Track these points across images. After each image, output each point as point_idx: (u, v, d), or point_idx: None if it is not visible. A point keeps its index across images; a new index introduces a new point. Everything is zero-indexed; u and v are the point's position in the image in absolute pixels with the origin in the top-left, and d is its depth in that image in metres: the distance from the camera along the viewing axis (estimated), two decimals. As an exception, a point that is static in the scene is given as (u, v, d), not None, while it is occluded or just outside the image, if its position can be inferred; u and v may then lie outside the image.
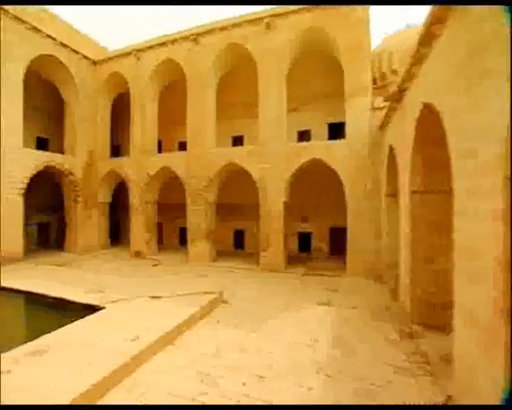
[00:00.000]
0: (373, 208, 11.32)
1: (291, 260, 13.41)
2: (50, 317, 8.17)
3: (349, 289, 10.04)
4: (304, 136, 15.24)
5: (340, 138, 12.60)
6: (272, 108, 12.81)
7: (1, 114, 13.00)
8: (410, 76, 6.08)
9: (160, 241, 16.92)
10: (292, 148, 12.62)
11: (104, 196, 17.49)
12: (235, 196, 16.39)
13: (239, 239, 16.97)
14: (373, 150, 11.16)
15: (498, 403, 2.72)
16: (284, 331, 6.74)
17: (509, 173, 2.65)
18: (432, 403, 4.23)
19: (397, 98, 7.56)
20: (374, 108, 11.00)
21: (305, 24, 12.38)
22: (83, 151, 16.84)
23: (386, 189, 10.29)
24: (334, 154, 11.72)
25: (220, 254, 14.91)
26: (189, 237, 14.22)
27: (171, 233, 18.65)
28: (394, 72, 11.93)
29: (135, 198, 15.73)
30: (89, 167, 17.06)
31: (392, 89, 11.66)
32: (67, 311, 8.07)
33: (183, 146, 17.49)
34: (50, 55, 15.25)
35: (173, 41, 14.98)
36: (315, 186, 15.00)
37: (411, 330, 6.22)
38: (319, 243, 15.32)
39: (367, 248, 11.40)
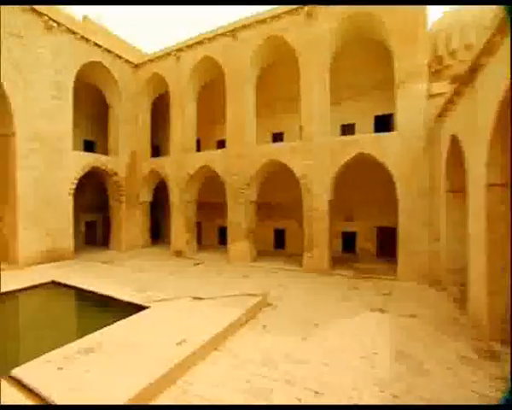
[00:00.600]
0: (428, 206, 10.25)
1: (335, 262, 12.65)
2: (97, 313, 8.33)
3: (403, 295, 9.14)
4: (347, 130, 14.36)
5: (388, 131, 11.67)
6: (315, 102, 12.13)
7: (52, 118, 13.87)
8: (488, 50, 5.19)
9: (198, 240, 16.94)
10: (337, 142, 11.83)
11: (145, 196, 17.92)
12: (276, 194, 15.93)
13: (279, 239, 16.47)
14: (429, 142, 10.09)
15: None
16: (337, 340, 6.16)
17: None
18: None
19: (466, 80, 6.60)
20: (430, 95, 9.92)
21: (350, 9, 11.55)
22: (125, 152, 17.39)
23: (445, 184, 9.23)
24: (385, 147, 10.78)
25: (260, 254, 14.53)
26: (230, 236, 14.01)
27: (210, 232, 18.65)
28: (453, 53, 10.69)
29: (175, 197, 15.87)
30: (131, 168, 17.58)
31: (451, 72, 10.51)
32: (112, 308, 8.17)
33: (221, 144, 17.42)
34: (97, 62, 15.88)
35: (211, 38, 14.86)
36: (360, 183, 14.07)
37: (491, 350, 5.32)
38: (365, 243, 14.36)
39: (421, 250, 10.36)
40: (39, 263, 12.98)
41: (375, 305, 8.22)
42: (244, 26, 13.86)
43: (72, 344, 5.54)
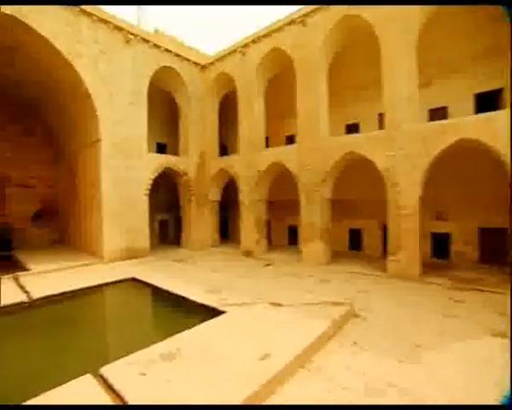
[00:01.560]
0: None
1: (425, 267, 10.85)
2: (172, 313, 8.29)
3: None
4: (437, 115, 12.27)
5: (495, 110, 9.52)
6: (400, 85, 10.50)
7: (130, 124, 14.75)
8: None
9: (268, 240, 16.27)
10: (430, 129, 10.00)
11: (214, 195, 18.04)
12: (352, 191, 14.52)
13: (355, 239, 15.03)
14: None
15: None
16: (452, 370, 4.88)
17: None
18: None
19: None
20: None
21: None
22: (195, 152, 17.73)
23: None
24: (497, 129, 8.76)
25: (335, 256, 13.32)
26: (303, 236, 13.12)
27: (280, 232, 18.00)
28: None
29: (244, 196, 15.58)
30: (200, 167, 17.88)
31: None
32: (187, 308, 8.01)
33: (290, 140, 16.70)
34: (167, 67, 16.48)
35: (278, 29, 14.16)
36: (457, 175, 11.92)
37: None
38: (463, 247, 12.11)
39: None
40: (120, 260, 13.82)
41: (494, 327, 6.53)
42: (314, 11, 12.84)
43: (153, 348, 5.34)
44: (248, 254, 14.89)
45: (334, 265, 12.32)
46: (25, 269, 11.99)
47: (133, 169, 14.70)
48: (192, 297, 8.22)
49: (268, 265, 12.78)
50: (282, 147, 15.16)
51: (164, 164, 16.31)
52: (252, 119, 15.36)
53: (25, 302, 8.41)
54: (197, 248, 17.22)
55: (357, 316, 7.17)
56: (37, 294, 8.79)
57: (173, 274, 11.07)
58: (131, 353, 5.13)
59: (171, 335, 5.85)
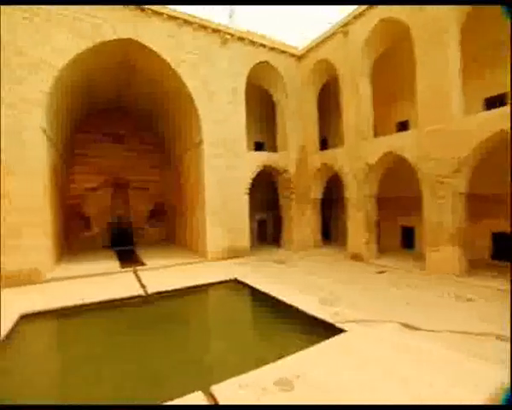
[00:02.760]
0: None
1: None
2: (279, 324, 7.48)
3: None
4: None
5: None
6: None
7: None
8: None
9: (377, 242, 14.18)
10: None
11: (316, 192, 16.81)
12: (493, 181, 11.26)
13: (500, 245, 11.48)
14: None
15: None
16: None
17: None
18: None
19: None
20: None
21: None
22: (294, 147, 16.88)
23: None
24: None
25: (471, 265, 10.33)
26: (427, 239, 10.66)
27: (391, 233, 15.57)
28: None
29: (351, 193, 13.84)
30: (300, 163, 16.94)
31: None
32: (296, 320, 7.10)
33: (403, 127, 14.27)
34: (263, 62, 16.08)
35: (389, -3, 12.04)
36: None
37: None
38: None
39: None
40: (222, 259, 13.98)
41: None
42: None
43: (266, 370, 4.62)
44: (356, 257, 13.15)
45: (472, 277, 9.59)
46: (142, 264, 13.19)
47: (234, 168, 14.78)
48: (301, 307, 7.32)
49: (381, 272, 10.86)
50: (395, 134, 12.75)
51: (264, 162, 15.98)
52: (357, 104, 13.50)
53: (142, 296, 8.96)
54: (298, 249, 16.32)
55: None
56: (150, 289, 9.30)
57: (276, 277, 10.43)
58: (238, 365, 4.78)
59: (279, 350, 5.27)
